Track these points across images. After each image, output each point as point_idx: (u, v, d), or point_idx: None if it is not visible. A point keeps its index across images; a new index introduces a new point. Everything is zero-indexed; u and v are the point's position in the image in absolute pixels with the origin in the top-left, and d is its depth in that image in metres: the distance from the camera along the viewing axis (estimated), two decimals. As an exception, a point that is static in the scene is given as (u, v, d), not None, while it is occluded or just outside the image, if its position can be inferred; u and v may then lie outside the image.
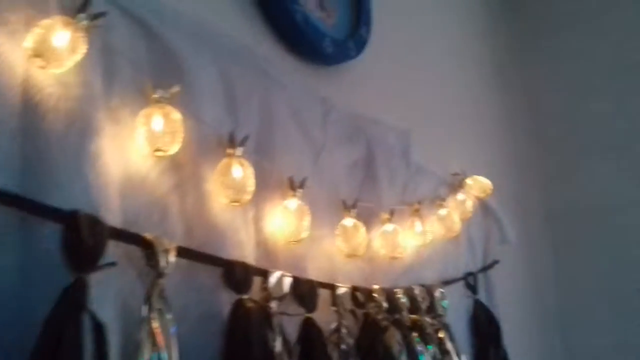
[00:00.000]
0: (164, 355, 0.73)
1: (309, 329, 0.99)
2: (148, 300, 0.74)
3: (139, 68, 0.80)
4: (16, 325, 0.63)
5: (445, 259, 1.59)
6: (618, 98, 2.48)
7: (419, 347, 1.25)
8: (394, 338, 1.18)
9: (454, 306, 1.57)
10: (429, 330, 1.33)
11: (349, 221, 1.18)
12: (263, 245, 1.00)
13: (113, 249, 0.72)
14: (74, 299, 0.62)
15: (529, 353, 2.06)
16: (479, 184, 1.81)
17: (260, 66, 1.06)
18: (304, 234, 1.04)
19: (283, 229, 1.02)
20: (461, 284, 1.68)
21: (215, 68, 0.92)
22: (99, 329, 0.62)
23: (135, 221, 0.78)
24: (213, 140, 0.91)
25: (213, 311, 0.86)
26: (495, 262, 1.88)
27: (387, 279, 1.29)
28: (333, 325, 1.09)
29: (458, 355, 1.38)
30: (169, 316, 0.75)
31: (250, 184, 0.92)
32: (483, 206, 1.87)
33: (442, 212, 1.57)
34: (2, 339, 0.63)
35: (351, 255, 1.17)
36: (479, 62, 2.38)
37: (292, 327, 0.99)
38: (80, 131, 0.70)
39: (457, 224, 1.60)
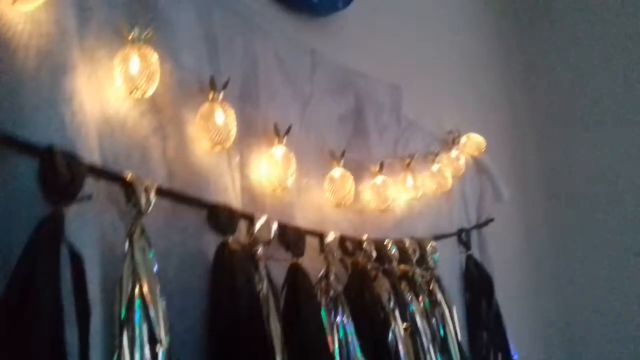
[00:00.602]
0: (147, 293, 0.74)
1: (295, 273, 1.00)
2: (129, 237, 0.75)
3: (115, 7, 0.79)
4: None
5: (437, 214, 1.60)
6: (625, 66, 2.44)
7: (409, 297, 1.26)
8: (383, 286, 1.19)
9: (446, 261, 1.58)
10: (419, 281, 1.34)
11: (337, 171, 1.18)
12: (248, 192, 1.00)
13: (93, 189, 0.72)
14: (50, 230, 0.62)
15: (522, 312, 2.07)
16: (473, 142, 1.80)
17: (243, 13, 1.05)
18: (290, 182, 1.04)
19: (269, 176, 1.02)
20: (454, 240, 1.69)
21: (193, 10, 0.91)
22: (76, 260, 0.63)
23: (115, 163, 0.78)
24: (194, 84, 0.91)
25: (197, 253, 0.87)
26: (490, 220, 1.88)
27: (377, 232, 1.29)
28: (321, 272, 1.10)
29: (448, 306, 1.40)
30: (150, 254, 0.76)
31: (233, 129, 0.92)
32: (477, 164, 1.87)
33: (434, 167, 1.57)
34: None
35: (339, 205, 1.17)
36: (475, 19, 2.35)
37: (280, 273, 0.99)
38: (53, 69, 0.70)
39: (449, 180, 1.60)
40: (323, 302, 1.06)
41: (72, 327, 0.64)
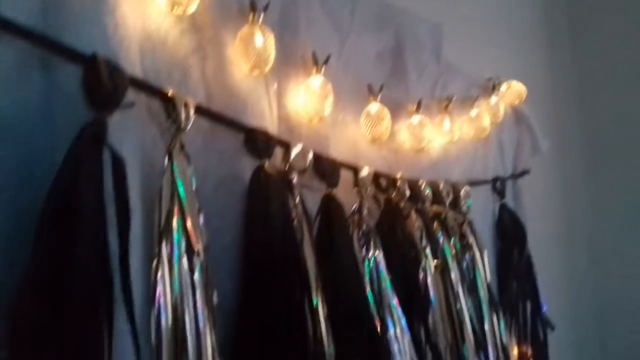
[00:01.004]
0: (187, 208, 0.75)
1: (329, 203, 1.00)
2: (169, 152, 0.75)
3: None
4: (41, 163, 0.65)
5: (472, 160, 1.57)
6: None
7: (440, 237, 1.26)
8: (415, 225, 1.19)
9: (479, 209, 1.57)
10: (451, 223, 1.34)
11: (373, 106, 1.17)
12: (285, 121, 1.00)
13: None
14: (93, 134, 0.63)
15: (553, 267, 2.05)
16: (513, 90, 1.76)
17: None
18: (327, 112, 1.03)
19: (306, 106, 1.02)
20: (488, 188, 1.67)
21: None
22: (117, 163, 0.64)
23: (156, 79, 0.79)
24: (234, 5, 0.90)
25: (234, 175, 0.88)
26: (526, 172, 1.85)
27: (411, 172, 1.28)
28: (354, 207, 1.10)
29: (480, 250, 1.39)
30: (189, 170, 0.77)
31: (271, 54, 0.91)
32: (516, 113, 1.83)
33: (473, 112, 1.54)
34: (30, 174, 0.65)
35: (375, 141, 1.16)
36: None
37: (313, 205, 1.00)
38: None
39: (487, 126, 1.57)
40: (355, 236, 1.07)
41: (113, 233, 0.66)
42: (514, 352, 1.55)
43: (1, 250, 0.61)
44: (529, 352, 1.64)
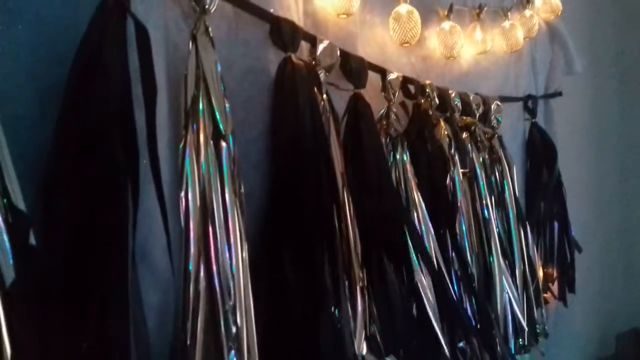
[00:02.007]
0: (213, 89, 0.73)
1: (357, 103, 0.98)
2: (193, 35, 0.73)
3: None
4: (64, 38, 0.64)
5: (504, 75, 1.52)
6: None
7: (469, 147, 1.23)
8: (444, 133, 1.16)
9: (509, 127, 1.53)
10: (481, 136, 1.31)
11: (403, 7, 1.12)
12: (312, 16, 0.97)
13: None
14: (116, 2, 0.61)
15: (582, 188, 2.01)
16: (549, 4, 1.68)
17: None
18: (356, 8, 0.99)
19: (333, 1, 0.97)
20: (519, 107, 1.62)
21: None
22: (141, 31, 0.62)
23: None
24: None
25: (259, 67, 0.85)
26: (558, 93, 1.79)
27: (441, 82, 1.25)
28: (382, 111, 1.08)
29: (509, 165, 1.36)
30: (214, 54, 0.75)
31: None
32: (551, 30, 1.75)
33: (506, 24, 1.47)
34: (54, 50, 0.64)
35: (403, 44, 1.12)
36: None
37: (340, 105, 0.98)
38: None
39: (520, 39, 1.50)
40: (382, 141, 1.05)
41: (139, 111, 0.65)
42: (540, 273, 1.54)
43: (30, 130, 0.61)
44: (555, 273, 1.63)
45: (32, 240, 0.52)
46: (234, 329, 0.69)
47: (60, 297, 0.54)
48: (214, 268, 0.70)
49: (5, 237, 0.51)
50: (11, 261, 0.50)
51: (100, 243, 0.57)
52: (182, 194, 0.71)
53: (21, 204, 0.53)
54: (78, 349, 0.54)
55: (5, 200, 0.52)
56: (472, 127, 1.28)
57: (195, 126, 0.72)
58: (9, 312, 0.49)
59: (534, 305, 1.34)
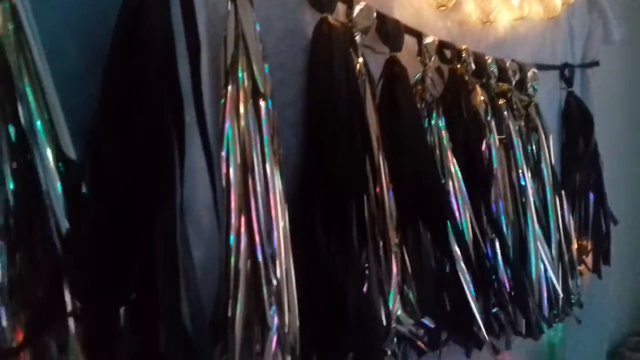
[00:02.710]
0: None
1: (393, 66, 0.97)
2: (232, -4, 0.73)
3: None
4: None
5: (541, 43, 1.49)
6: None
7: (506, 114, 1.21)
8: (481, 98, 1.15)
9: (546, 95, 1.50)
10: (517, 104, 1.28)
11: (440, -30, 1.10)
12: (347, -23, 0.96)
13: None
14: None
15: (618, 160, 1.97)
16: (587, -30, 1.63)
17: None
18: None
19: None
20: (555, 75, 1.59)
21: None
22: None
23: None
24: None
25: (297, 28, 0.85)
26: (595, 63, 1.75)
27: (477, 47, 1.22)
28: (417, 76, 1.06)
29: (546, 133, 1.34)
30: (253, 14, 0.75)
31: None
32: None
33: (543, -11, 1.44)
34: (98, 5, 0.64)
35: (440, 7, 1.10)
36: None
37: (376, 69, 0.97)
38: None
39: (557, 5, 1.47)
40: (418, 106, 1.04)
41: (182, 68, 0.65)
42: (573, 247, 1.52)
43: (76, 85, 0.62)
44: (589, 245, 1.61)
45: (84, 189, 0.54)
46: (274, 283, 0.70)
47: (111, 247, 0.56)
48: (255, 225, 0.71)
49: (59, 186, 0.52)
50: (65, 209, 0.51)
51: (149, 195, 0.58)
52: (224, 152, 0.72)
53: (72, 155, 0.54)
54: (127, 299, 0.56)
55: (57, 151, 0.53)
56: (509, 94, 1.26)
57: (234, 85, 0.73)
58: (66, 259, 0.50)
59: (569, 275, 1.33)
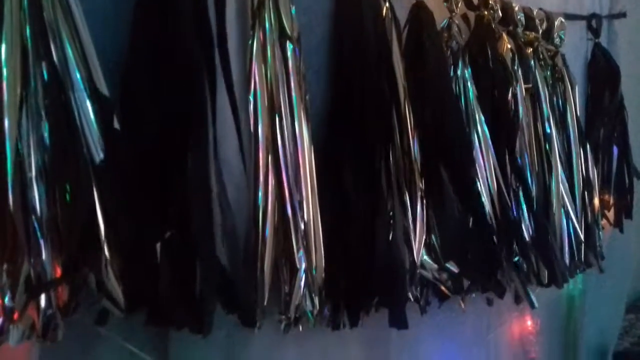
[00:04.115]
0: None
1: (419, 11, 0.95)
2: None
3: None
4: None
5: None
6: None
7: (532, 63, 1.19)
8: (508, 47, 1.12)
9: (572, 46, 1.47)
10: (544, 53, 1.26)
11: None
12: None
13: None
14: None
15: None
16: None
17: None
18: None
19: None
20: (582, 26, 1.55)
21: None
22: None
23: None
24: None
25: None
26: (622, 14, 1.70)
27: (503, -5, 1.19)
28: (443, 23, 1.04)
29: (572, 84, 1.32)
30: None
31: None
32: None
33: None
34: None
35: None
36: None
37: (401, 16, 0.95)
38: None
39: (587, -48, 1.42)
40: (445, 52, 1.02)
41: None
42: (596, 200, 1.51)
43: (105, 26, 0.61)
44: (611, 200, 1.60)
45: (116, 124, 0.54)
46: (302, 225, 0.71)
47: (145, 184, 0.56)
48: (282, 168, 0.71)
49: (93, 119, 0.53)
50: (99, 141, 0.52)
51: (181, 132, 0.58)
52: (251, 95, 0.72)
53: (105, 91, 0.55)
54: (163, 235, 0.57)
55: (90, 87, 0.54)
56: (535, 43, 1.23)
57: (261, 27, 0.72)
58: (100, 189, 0.51)
59: (591, 227, 1.32)
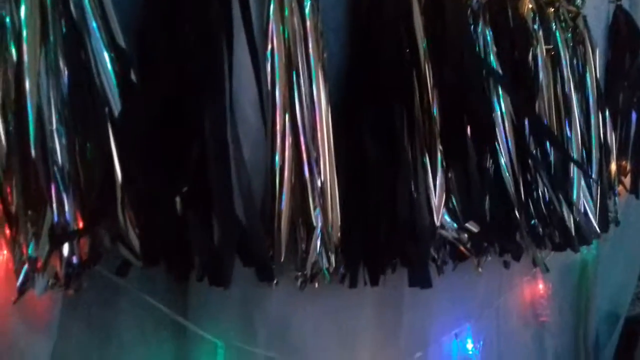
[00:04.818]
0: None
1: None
2: None
3: None
4: None
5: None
6: None
7: (553, 24, 1.16)
8: (529, 7, 1.10)
9: (593, 8, 1.42)
10: (565, 15, 1.23)
11: None
12: None
13: None
14: None
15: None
16: None
17: None
18: None
19: None
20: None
21: None
22: None
23: None
24: None
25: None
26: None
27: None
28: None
29: (592, 47, 1.29)
30: None
31: None
32: None
33: None
34: None
35: None
36: None
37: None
38: None
39: None
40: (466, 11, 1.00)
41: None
42: (613, 165, 1.49)
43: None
44: (629, 166, 1.58)
45: (133, 76, 0.54)
46: (318, 184, 0.71)
47: (161, 138, 0.56)
48: (299, 125, 0.71)
49: (111, 72, 0.52)
50: (117, 94, 0.52)
51: (197, 87, 0.58)
52: (268, 52, 0.71)
53: (122, 44, 0.54)
54: (180, 190, 0.57)
55: (108, 39, 0.53)
56: (557, 4, 1.20)
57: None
58: (119, 142, 0.51)
59: (607, 192, 1.31)
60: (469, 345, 1.09)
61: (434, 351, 1.02)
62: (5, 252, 0.51)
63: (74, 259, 0.51)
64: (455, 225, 0.85)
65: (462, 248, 0.88)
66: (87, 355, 0.65)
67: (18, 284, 0.50)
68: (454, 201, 0.88)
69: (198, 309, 0.70)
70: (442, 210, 0.84)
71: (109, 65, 0.53)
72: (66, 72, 0.53)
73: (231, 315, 0.74)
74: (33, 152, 0.50)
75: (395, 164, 0.81)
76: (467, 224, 0.85)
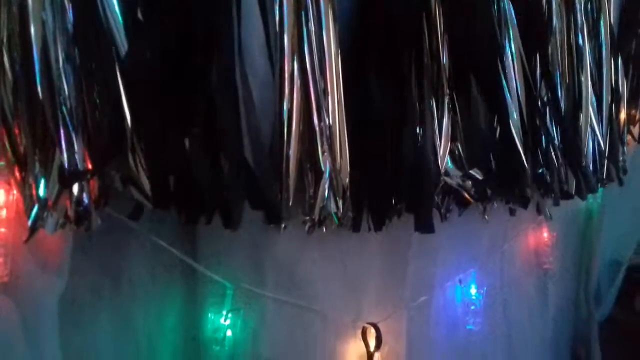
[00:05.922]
0: None
1: None
2: None
3: None
4: None
5: None
6: None
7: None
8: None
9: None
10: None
11: None
12: None
13: None
14: None
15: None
16: None
17: None
18: None
19: None
20: None
21: None
22: None
23: None
24: None
25: None
26: None
27: None
28: None
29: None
30: None
31: None
32: None
33: None
34: None
35: None
36: None
37: None
38: None
39: None
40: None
41: None
42: (622, 114, 1.47)
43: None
44: (638, 115, 1.56)
45: (139, 15, 0.52)
46: (327, 128, 0.70)
47: (168, 78, 0.55)
48: (308, 68, 0.69)
49: (117, 9, 0.51)
50: (123, 33, 0.51)
51: (205, 28, 0.56)
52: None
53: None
54: (190, 131, 0.56)
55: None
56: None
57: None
58: (126, 82, 0.50)
59: (615, 141, 1.30)
60: (473, 291, 1.11)
61: (438, 295, 1.04)
62: (15, 192, 0.51)
63: (84, 198, 0.51)
64: (459, 172, 0.85)
65: (466, 195, 0.87)
66: (98, 295, 0.66)
67: (29, 223, 0.50)
68: (459, 148, 0.87)
69: (207, 252, 0.71)
70: (447, 157, 0.83)
71: (115, 4, 0.52)
72: (71, 11, 0.52)
73: (240, 258, 0.75)
74: (40, 91, 0.49)
75: (402, 110, 0.80)
76: (471, 171, 0.85)
